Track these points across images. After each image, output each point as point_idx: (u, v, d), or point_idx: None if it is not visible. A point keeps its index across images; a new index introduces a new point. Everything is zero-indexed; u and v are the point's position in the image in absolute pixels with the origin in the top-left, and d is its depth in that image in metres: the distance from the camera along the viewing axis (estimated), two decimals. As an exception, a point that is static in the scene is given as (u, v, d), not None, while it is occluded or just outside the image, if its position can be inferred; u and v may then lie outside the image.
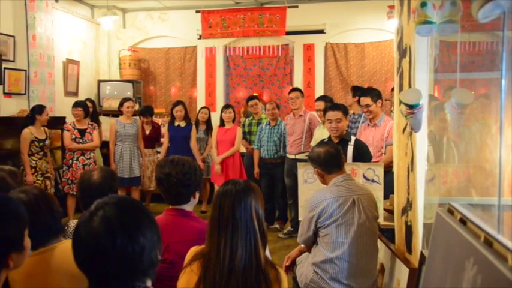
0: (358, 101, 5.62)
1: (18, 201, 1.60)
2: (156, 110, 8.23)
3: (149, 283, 1.39)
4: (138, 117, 6.83)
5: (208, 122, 7.08)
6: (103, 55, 8.85)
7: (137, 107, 7.62)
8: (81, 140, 6.08)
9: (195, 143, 6.66)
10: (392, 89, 5.55)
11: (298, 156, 5.83)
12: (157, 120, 7.80)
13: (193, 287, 1.93)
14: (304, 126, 6.00)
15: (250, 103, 6.81)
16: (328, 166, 3.00)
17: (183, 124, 6.64)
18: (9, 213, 1.50)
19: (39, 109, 5.76)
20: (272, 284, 1.92)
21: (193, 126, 6.68)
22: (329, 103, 5.39)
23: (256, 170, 6.43)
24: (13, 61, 6.48)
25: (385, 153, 4.51)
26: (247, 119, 7.08)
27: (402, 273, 2.86)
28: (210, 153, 7.08)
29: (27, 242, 1.58)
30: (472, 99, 2.10)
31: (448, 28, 2.02)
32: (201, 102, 8.57)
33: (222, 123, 6.57)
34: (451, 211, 1.62)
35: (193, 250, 2.09)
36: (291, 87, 6.91)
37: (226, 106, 6.72)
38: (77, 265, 1.35)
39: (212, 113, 7.80)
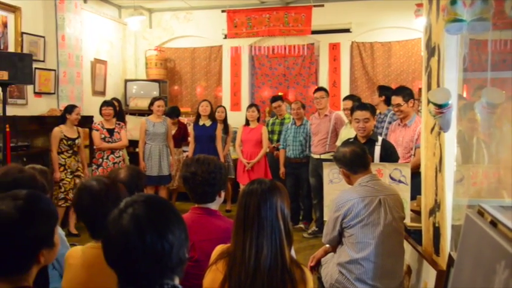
0: (385, 100, 5.56)
1: (48, 199, 1.64)
2: (181, 110, 8.29)
3: (177, 281, 1.41)
4: (166, 117, 6.86)
5: (225, 120, 7.09)
6: (130, 55, 8.97)
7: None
8: (110, 139, 6.18)
9: (220, 142, 6.68)
10: (420, 89, 5.46)
11: (323, 156, 5.80)
12: (183, 119, 7.85)
13: (218, 285, 1.94)
14: (329, 126, 5.97)
15: (273, 105, 6.82)
16: (354, 166, 2.97)
17: (208, 123, 6.67)
18: (40, 211, 1.53)
19: (69, 109, 5.89)
20: (298, 283, 1.91)
21: (219, 125, 6.70)
22: (357, 102, 5.34)
23: (282, 169, 6.43)
24: (43, 61, 6.62)
25: (414, 155, 4.42)
26: (271, 119, 7.08)
27: (429, 275, 2.82)
28: (230, 152, 7.10)
29: (57, 238, 1.61)
30: (503, 99, 2.05)
31: (479, 26, 1.98)
32: (226, 101, 8.61)
33: (247, 122, 6.59)
34: (481, 213, 1.59)
35: (219, 249, 2.10)
36: (316, 87, 6.88)
37: (250, 105, 6.74)
38: (107, 262, 1.37)
39: (238, 113, 7.83)
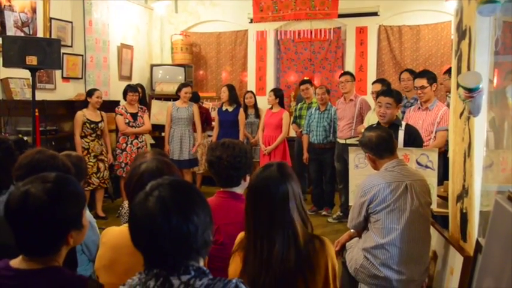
0: None
1: (76, 182, 1.66)
2: (206, 94, 8.34)
3: (202, 263, 1.42)
4: (193, 103, 6.90)
5: (255, 105, 7.11)
6: (156, 40, 9.00)
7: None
8: (134, 124, 6.27)
9: (242, 128, 6.71)
10: (445, 72, 5.36)
11: (348, 141, 5.76)
12: (208, 104, 7.89)
13: (239, 274, 1.96)
14: (354, 110, 5.92)
15: (301, 87, 6.80)
16: (380, 150, 2.94)
17: (230, 108, 6.72)
18: (68, 193, 1.56)
19: (90, 92, 6.03)
20: (319, 259, 1.93)
21: (241, 110, 6.72)
22: (386, 87, 5.29)
23: (306, 155, 6.43)
24: (71, 46, 6.70)
25: (434, 138, 4.39)
26: (299, 103, 7.06)
27: (456, 261, 2.79)
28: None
29: (85, 220, 1.64)
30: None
31: (513, 7, 1.92)
32: (251, 86, 8.59)
33: (272, 106, 6.64)
34: (511, 198, 1.56)
35: (240, 236, 2.11)
36: (342, 71, 6.83)
37: (271, 90, 6.78)
38: (134, 244, 1.39)
39: (263, 97, 7.82)
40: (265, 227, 1.92)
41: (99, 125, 6.00)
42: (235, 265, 2.01)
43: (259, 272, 1.90)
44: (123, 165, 6.17)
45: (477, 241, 2.44)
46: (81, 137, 5.90)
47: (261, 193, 1.94)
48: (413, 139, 4.00)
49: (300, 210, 1.96)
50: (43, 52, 4.79)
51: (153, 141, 7.39)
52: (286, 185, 1.93)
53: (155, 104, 7.81)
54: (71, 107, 6.35)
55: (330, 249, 1.99)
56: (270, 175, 1.95)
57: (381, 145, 2.93)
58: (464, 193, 2.78)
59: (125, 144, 6.23)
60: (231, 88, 6.82)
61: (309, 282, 1.91)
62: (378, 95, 4.49)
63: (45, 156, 2.37)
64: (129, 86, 6.52)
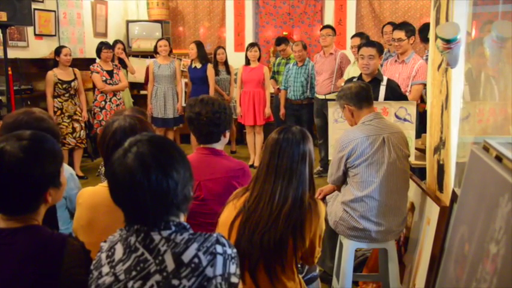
0: None
1: (53, 139, 1.64)
2: (185, 51, 8.18)
3: (182, 218, 1.43)
4: (175, 59, 6.81)
5: (226, 62, 6.99)
6: (130, -6, 8.75)
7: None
8: (111, 81, 6.17)
9: (212, 84, 6.62)
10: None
11: (328, 96, 5.75)
12: (186, 61, 7.77)
13: (230, 223, 2.02)
14: (334, 64, 5.89)
15: (278, 48, 6.72)
16: (360, 100, 2.92)
17: (198, 65, 6.61)
18: (45, 151, 1.54)
19: (57, 50, 5.81)
20: (312, 219, 2.02)
21: (209, 66, 6.58)
22: (365, 40, 5.26)
23: (282, 111, 6.41)
24: (42, 1, 6.47)
25: (410, 92, 4.42)
26: (277, 59, 6.99)
27: (432, 211, 2.85)
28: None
29: (63, 178, 1.63)
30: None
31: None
32: (230, 42, 8.46)
33: (248, 62, 6.52)
34: (486, 148, 1.58)
35: (238, 190, 2.18)
36: (321, 26, 6.76)
37: (252, 44, 6.64)
38: (114, 201, 1.39)
39: (242, 53, 7.73)
40: (285, 180, 2.00)
41: (72, 84, 5.84)
42: (227, 213, 2.07)
43: (266, 222, 1.97)
44: (103, 123, 6.09)
45: (453, 191, 2.49)
46: (54, 97, 5.76)
47: (284, 151, 2.02)
48: (395, 94, 3.99)
49: (311, 172, 2.07)
50: (13, 7, 4.62)
51: (133, 100, 7.30)
52: (308, 148, 2.05)
53: (132, 62, 7.65)
54: (46, 65, 6.18)
55: (322, 211, 2.09)
56: (294, 137, 2.04)
57: (360, 94, 2.93)
58: (441, 145, 2.82)
59: (103, 103, 6.14)
60: (199, 44, 6.69)
61: (298, 241, 1.99)
62: (359, 47, 4.44)
63: (32, 118, 2.33)
64: (102, 42, 6.36)
